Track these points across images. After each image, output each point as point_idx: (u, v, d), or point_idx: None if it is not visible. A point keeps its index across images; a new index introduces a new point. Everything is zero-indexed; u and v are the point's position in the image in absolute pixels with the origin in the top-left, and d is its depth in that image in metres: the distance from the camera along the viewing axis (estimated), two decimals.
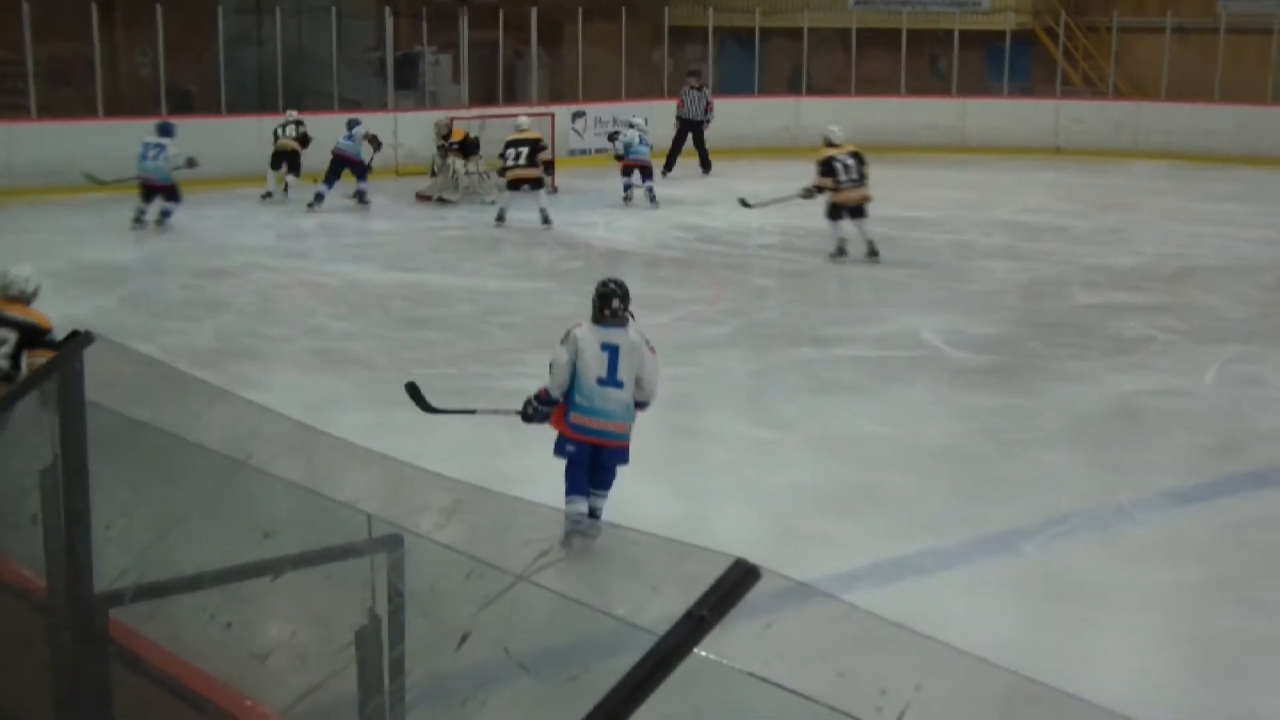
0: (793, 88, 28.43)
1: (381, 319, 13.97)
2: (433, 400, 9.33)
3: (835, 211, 16.71)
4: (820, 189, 16.71)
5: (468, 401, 9.97)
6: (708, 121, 24.23)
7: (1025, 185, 23.34)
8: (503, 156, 18.98)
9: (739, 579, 2.67)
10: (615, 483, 8.26)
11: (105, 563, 4.63)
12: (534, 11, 25.49)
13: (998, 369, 12.19)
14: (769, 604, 2.77)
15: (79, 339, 4.65)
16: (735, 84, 27.58)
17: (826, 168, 16.66)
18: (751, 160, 23.68)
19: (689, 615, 2.67)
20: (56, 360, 4.67)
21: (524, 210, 19.29)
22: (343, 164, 19.92)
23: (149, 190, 18.13)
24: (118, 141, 20.26)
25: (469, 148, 20.98)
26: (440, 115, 22.32)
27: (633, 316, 8.17)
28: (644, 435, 10.57)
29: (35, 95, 21.52)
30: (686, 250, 17.64)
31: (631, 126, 21.18)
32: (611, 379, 7.97)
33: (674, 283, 15.74)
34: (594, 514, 8.07)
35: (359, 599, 3.91)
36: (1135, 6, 29.48)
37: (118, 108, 22.61)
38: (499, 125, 21.49)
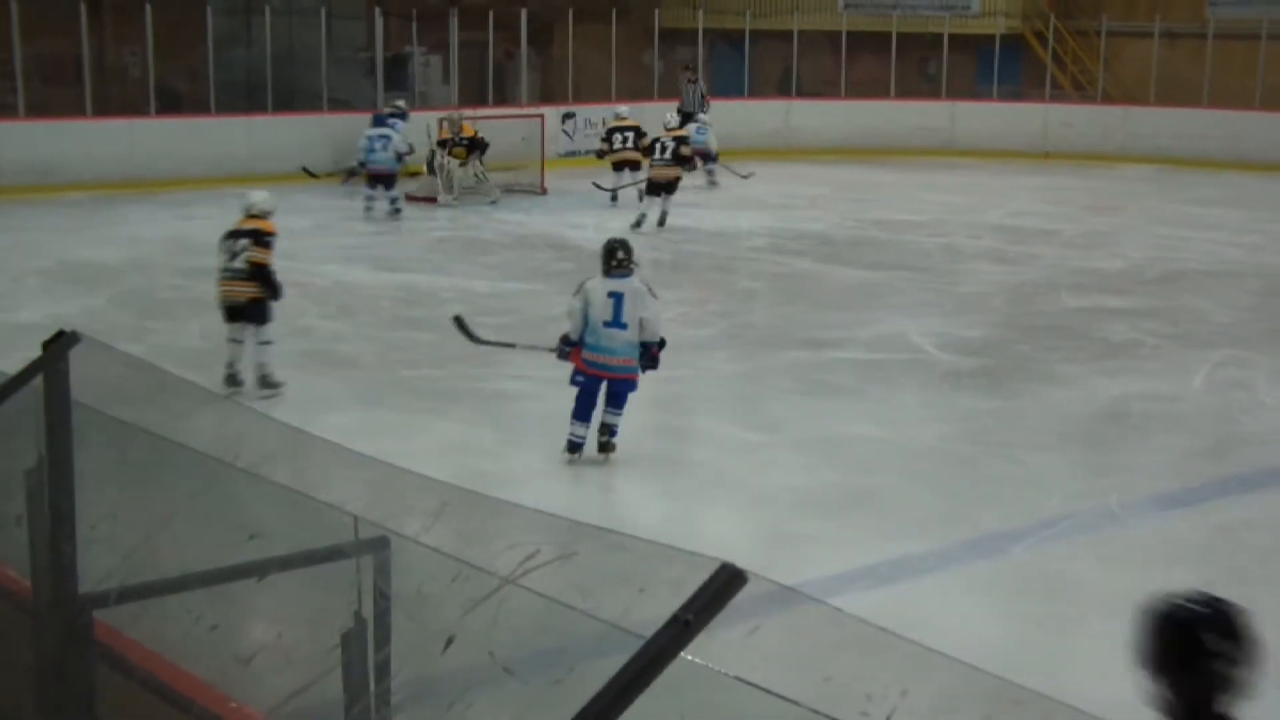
0: (783, 90, 28.46)
1: (371, 320, 13.95)
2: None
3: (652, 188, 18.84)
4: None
5: (454, 402, 9.98)
6: (705, 113, 24.29)
7: (1014, 189, 23.38)
8: (607, 141, 20.60)
9: (726, 583, 2.66)
10: (607, 483, 9.36)
11: (90, 564, 4.61)
12: (524, 12, 25.48)
13: (986, 372, 12.19)
14: (756, 608, 2.77)
15: (64, 339, 4.63)
16: (726, 86, 27.60)
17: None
18: (743, 162, 23.66)
19: (675, 619, 2.67)
20: (41, 361, 4.65)
21: (515, 212, 19.30)
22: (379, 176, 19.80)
23: (376, 179, 19.37)
24: (107, 141, 20.25)
25: (477, 146, 20.93)
26: (451, 113, 22.29)
27: (637, 266, 9.66)
28: (633, 437, 10.59)
29: (24, 94, 21.46)
30: (675, 252, 17.64)
31: (695, 120, 22.88)
32: (616, 321, 9.43)
33: (662, 285, 15.56)
34: (609, 429, 9.63)
35: (345, 601, 3.89)
36: (1124, 11, 29.54)
37: (106, 107, 22.54)
38: (490, 126, 21.48)
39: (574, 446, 9.58)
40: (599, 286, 9.49)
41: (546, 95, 26.44)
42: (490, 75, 25.73)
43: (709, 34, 28.54)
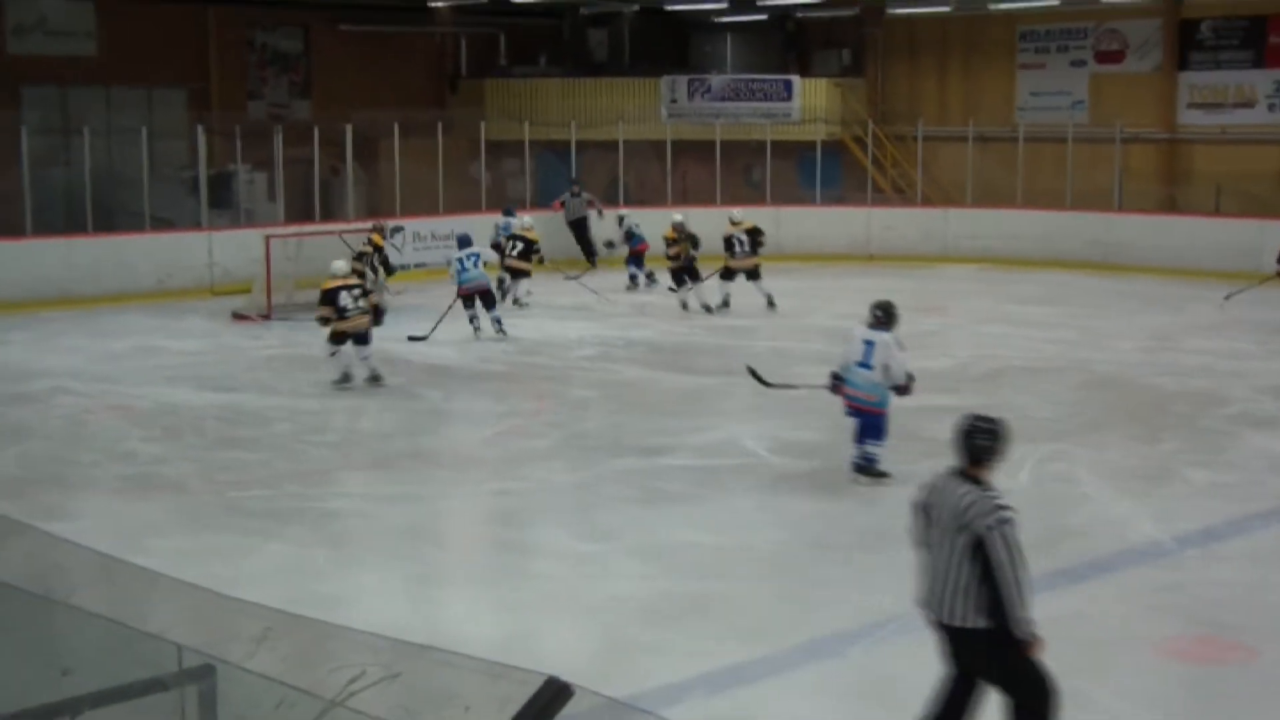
0: (609, 199, 28.74)
1: (196, 441, 13.64)
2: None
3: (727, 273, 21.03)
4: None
5: (287, 520, 9.77)
6: (599, 214, 26.48)
7: (841, 291, 23.79)
8: (730, 250, 21.25)
9: (552, 698, 2.61)
10: (440, 600, 9.39)
11: None
12: (349, 128, 25.43)
13: (818, 474, 12.30)
14: None
15: None
16: (553, 197, 27.77)
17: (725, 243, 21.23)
18: (568, 270, 23.79)
19: None
20: None
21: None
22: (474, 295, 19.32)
23: (474, 298, 19.16)
24: None
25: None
26: (385, 222, 22.67)
27: (897, 323, 11.41)
28: (468, 551, 10.47)
29: None
30: (508, 364, 17.59)
31: (623, 219, 24.90)
32: (864, 363, 11.30)
33: (495, 396, 15.67)
34: (867, 459, 11.52)
35: None
36: (938, 116, 30.50)
37: None
38: (316, 242, 21.32)
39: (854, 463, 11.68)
40: (859, 332, 11.45)
41: (373, 210, 26.33)
42: (316, 191, 25.57)
43: (535, 145, 28.77)
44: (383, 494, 11.73)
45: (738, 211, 22.65)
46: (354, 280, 16.76)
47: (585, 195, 27.17)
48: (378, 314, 16.41)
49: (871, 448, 11.53)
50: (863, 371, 11.35)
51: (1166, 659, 8.36)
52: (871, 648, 8.40)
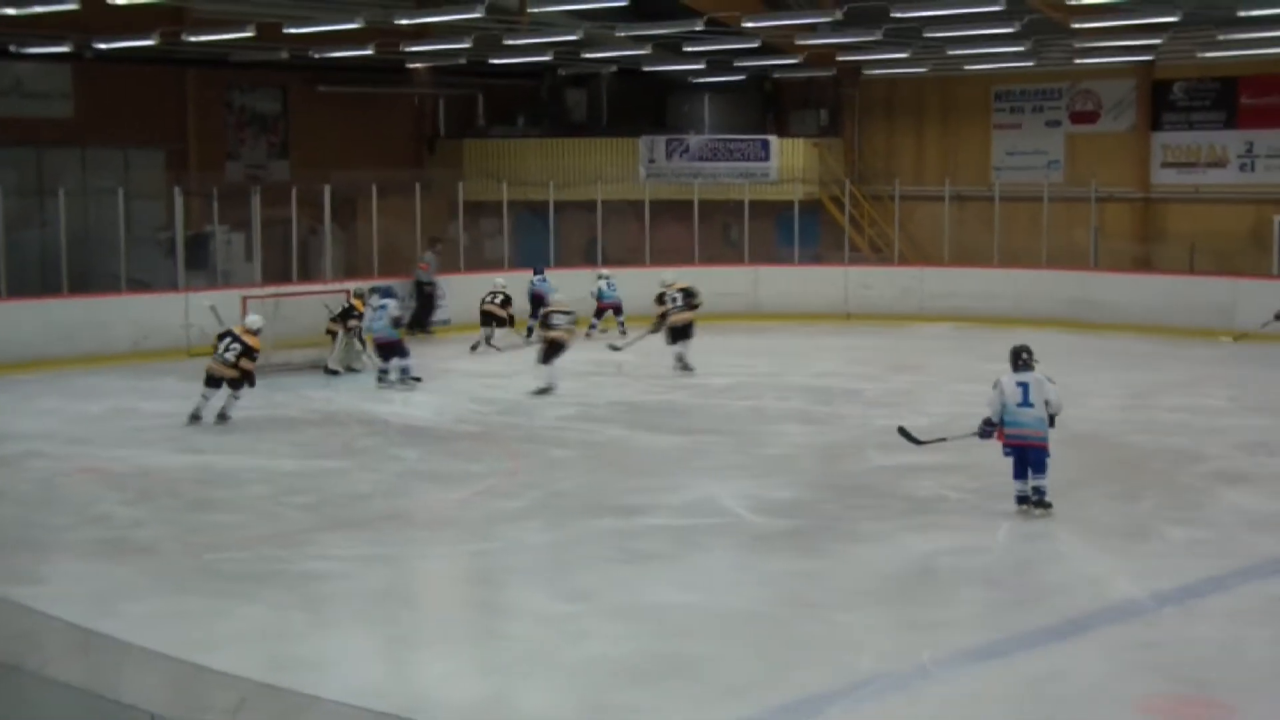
0: (588, 259, 28.79)
1: (171, 503, 13.54)
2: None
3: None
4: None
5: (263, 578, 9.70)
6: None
7: (818, 350, 23.87)
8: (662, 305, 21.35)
9: None
10: (418, 662, 9.25)
11: None
12: (327, 189, 25.46)
13: (797, 533, 12.29)
14: None
15: None
16: (531, 257, 27.81)
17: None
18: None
19: None
20: None
21: (322, 388, 19.11)
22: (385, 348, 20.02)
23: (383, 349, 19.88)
24: None
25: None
26: (358, 285, 22.76)
27: (1038, 363, 12.74)
28: (445, 613, 10.41)
29: None
30: (483, 424, 17.56)
31: (601, 278, 25.53)
32: (1025, 402, 12.45)
33: (471, 456, 15.62)
34: (1039, 491, 12.55)
35: None
36: (915, 176, 30.73)
37: None
38: (293, 303, 21.32)
39: (1019, 499, 12.61)
40: (1009, 380, 12.57)
41: (351, 270, 26.33)
42: (294, 251, 25.56)
43: (514, 205, 28.84)
44: (359, 555, 11.66)
45: (670, 273, 22.75)
46: (239, 331, 17.60)
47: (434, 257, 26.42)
48: (247, 376, 17.39)
49: (1042, 480, 12.54)
50: (1028, 410, 12.46)
51: (1145, 717, 8.34)
52: (851, 708, 8.37)
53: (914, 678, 8.81)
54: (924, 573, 11.22)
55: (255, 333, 17.63)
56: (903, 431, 13.97)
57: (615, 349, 22.34)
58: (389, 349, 19.86)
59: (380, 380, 19.77)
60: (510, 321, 23.94)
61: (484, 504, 13.46)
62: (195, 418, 17.13)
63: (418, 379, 19.82)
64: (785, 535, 12.23)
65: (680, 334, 20.89)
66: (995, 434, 12.65)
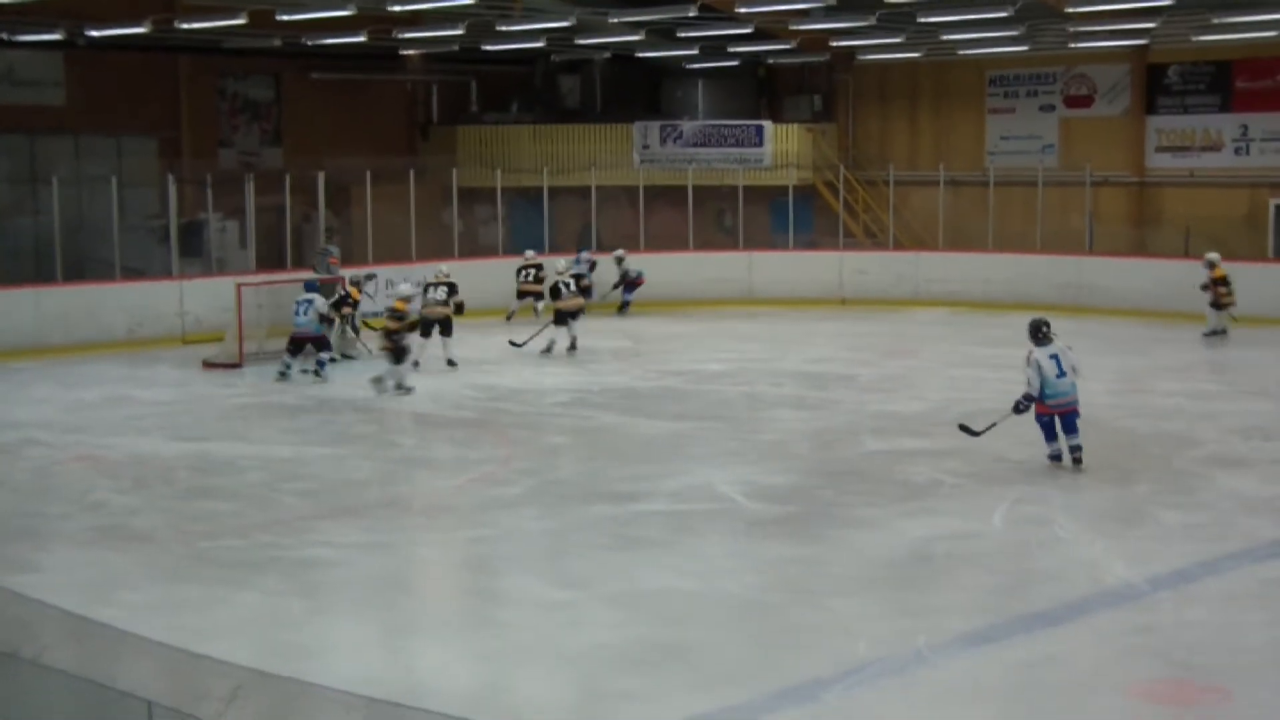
0: (582, 245, 28.77)
1: (166, 491, 13.55)
2: None
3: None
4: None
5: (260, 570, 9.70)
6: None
7: (813, 335, 23.87)
8: (555, 294, 21.70)
9: None
10: (414, 650, 9.34)
11: None
12: (321, 176, 25.44)
13: (792, 519, 12.30)
14: None
15: None
16: (525, 242, 27.79)
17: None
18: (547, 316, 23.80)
19: None
20: None
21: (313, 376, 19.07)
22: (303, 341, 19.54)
23: (298, 343, 19.34)
24: None
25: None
26: (359, 272, 22.68)
27: (1057, 335, 13.78)
28: (442, 600, 10.42)
29: None
30: (480, 410, 17.55)
31: (621, 260, 26.42)
32: (1060, 373, 13.56)
33: (467, 444, 15.62)
34: (1078, 449, 13.66)
35: None
36: (909, 161, 30.72)
37: None
38: (288, 290, 21.28)
39: (1054, 457, 13.76)
40: (1042, 355, 13.58)
41: (345, 256, 26.26)
42: (288, 239, 25.53)
43: (508, 192, 28.81)
44: (356, 543, 11.67)
45: (563, 261, 23.62)
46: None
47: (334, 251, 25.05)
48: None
49: (1078, 438, 13.66)
50: (1064, 380, 13.57)
51: (1141, 702, 8.35)
52: (846, 692, 8.37)
53: (909, 663, 8.81)
54: (919, 558, 11.22)
55: (406, 300, 18.60)
56: (963, 428, 14.43)
57: (516, 345, 21.69)
58: (309, 343, 19.32)
59: (282, 376, 19.15)
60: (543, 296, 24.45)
61: (480, 491, 13.47)
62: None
63: (320, 375, 19.25)
64: (781, 521, 12.24)
65: (568, 318, 21.47)
66: (1036, 406, 13.66)
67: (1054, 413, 13.66)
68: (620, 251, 26.85)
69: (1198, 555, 11.18)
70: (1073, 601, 10.09)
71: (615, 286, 26.53)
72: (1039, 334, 13.73)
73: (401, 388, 17.99)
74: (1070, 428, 13.69)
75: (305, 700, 3.81)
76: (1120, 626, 9.66)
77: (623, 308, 26.62)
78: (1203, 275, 22.81)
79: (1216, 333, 22.73)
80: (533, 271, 25.20)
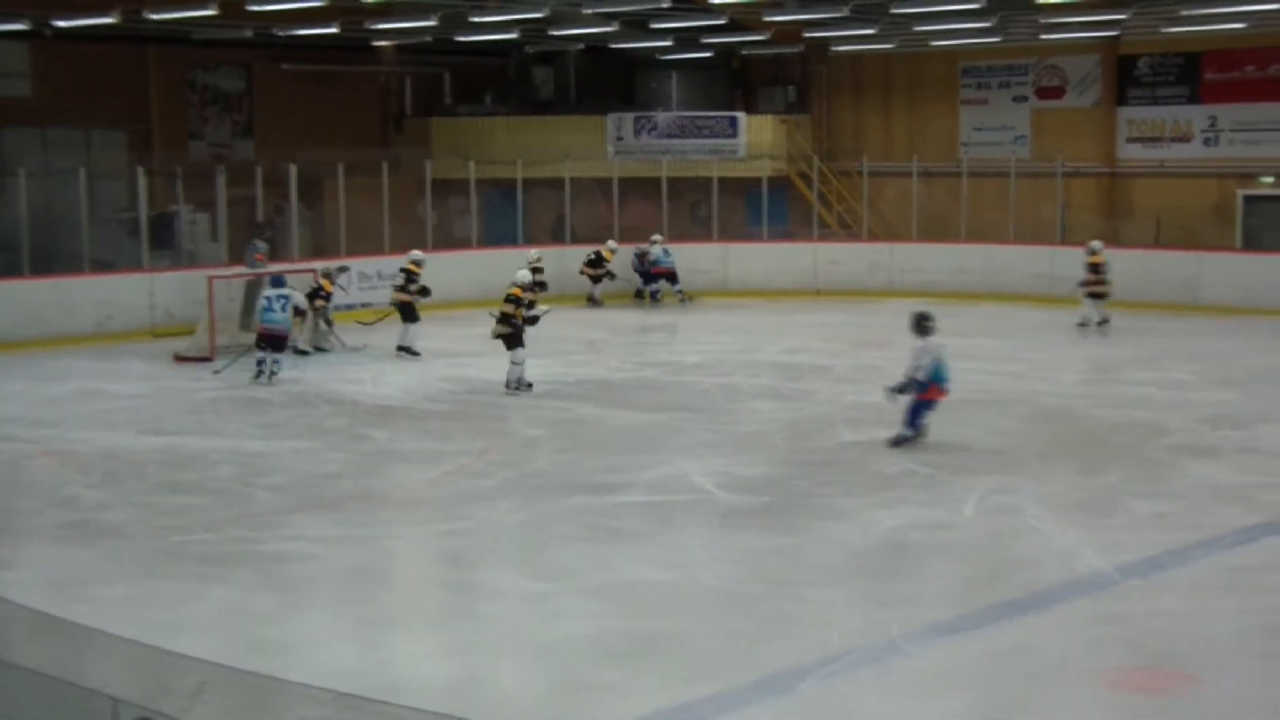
0: (556, 236, 28.75)
1: (137, 486, 13.46)
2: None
3: None
4: None
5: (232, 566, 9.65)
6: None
7: (788, 326, 23.87)
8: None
9: None
10: (389, 643, 9.33)
11: None
12: (293, 168, 25.32)
13: (768, 509, 12.31)
14: None
15: None
16: (499, 234, 27.76)
17: None
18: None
19: None
20: None
21: (289, 369, 18.99)
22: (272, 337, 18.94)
23: (266, 340, 18.74)
24: None
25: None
26: (331, 265, 22.47)
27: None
28: (417, 593, 10.37)
29: None
30: (454, 403, 17.51)
31: (654, 243, 26.89)
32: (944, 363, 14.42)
33: (442, 436, 15.58)
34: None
35: None
36: (883, 152, 30.75)
37: None
38: (259, 283, 21.17)
39: (905, 440, 14.34)
40: (936, 342, 14.38)
41: (319, 249, 26.21)
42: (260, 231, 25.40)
43: (481, 183, 28.73)
44: (329, 536, 11.63)
45: (418, 254, 22.01)
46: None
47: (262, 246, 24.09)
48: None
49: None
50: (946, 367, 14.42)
51: (1111, 690, 8.39)
52: (821, 682, 8.39)
53: (884, 652, 8.84)
54: (893, 548, 11.25)
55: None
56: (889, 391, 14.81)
57: (409, 350, 20.76)
58: (277, 341, 18.76)
59: (259, 374, 18.59)
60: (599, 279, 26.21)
61: (456, 483, 13.45)
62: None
63: (275, 373, 18.70)
64: (756, 512, 12.25)
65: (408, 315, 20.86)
66: (929, 390, 14.25)
67: (944, 396, 14.38)
68: (656, 237, 27.15)
69: (1168, 544, 11.23)
70: (1044, 590, 10.14)
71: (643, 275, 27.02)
72: (925, 325, 14.43)
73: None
74: (932, 408, 14.47)
75: (273, 695, 3.79)
76: (1091, 615, 9.70)
77: (653, 296, 26.94)
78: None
79: (1089, 323, 22.69)
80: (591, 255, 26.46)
